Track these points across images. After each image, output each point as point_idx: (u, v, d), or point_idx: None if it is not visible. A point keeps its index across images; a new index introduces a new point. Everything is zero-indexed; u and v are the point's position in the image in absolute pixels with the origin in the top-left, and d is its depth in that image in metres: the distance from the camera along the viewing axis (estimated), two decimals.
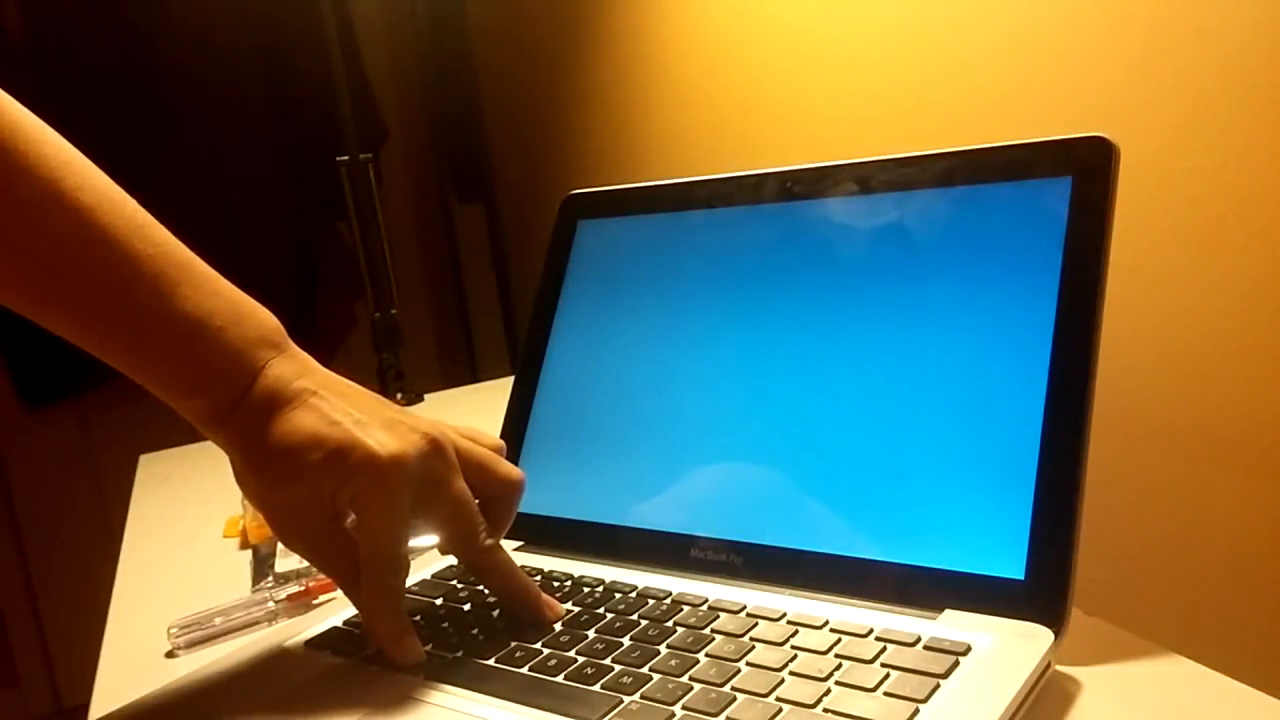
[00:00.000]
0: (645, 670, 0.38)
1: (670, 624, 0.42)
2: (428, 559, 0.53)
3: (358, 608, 0.43)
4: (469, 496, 0.43)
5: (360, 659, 0.43)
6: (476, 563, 0.44)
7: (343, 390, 0.42)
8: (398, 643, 0.41)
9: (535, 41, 1.42)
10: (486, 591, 0.48)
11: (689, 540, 0.48)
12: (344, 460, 0.39)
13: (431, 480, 0.41)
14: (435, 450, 0.41)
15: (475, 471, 0.44)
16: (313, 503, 0.41)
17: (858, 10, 0.75)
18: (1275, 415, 0.51)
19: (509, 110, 1.61)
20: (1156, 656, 0.41)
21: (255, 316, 0.42)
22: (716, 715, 0.35)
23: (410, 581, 0.50)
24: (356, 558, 0.41)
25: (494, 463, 0.45)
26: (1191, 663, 0.40)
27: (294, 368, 0.42)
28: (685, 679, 0.37)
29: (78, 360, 0.42)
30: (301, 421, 0.40)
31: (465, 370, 1.82)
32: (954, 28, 0.67)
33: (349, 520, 0.42)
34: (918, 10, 0.70)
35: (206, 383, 0.40)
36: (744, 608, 0.43)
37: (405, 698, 0.39)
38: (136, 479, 0.87)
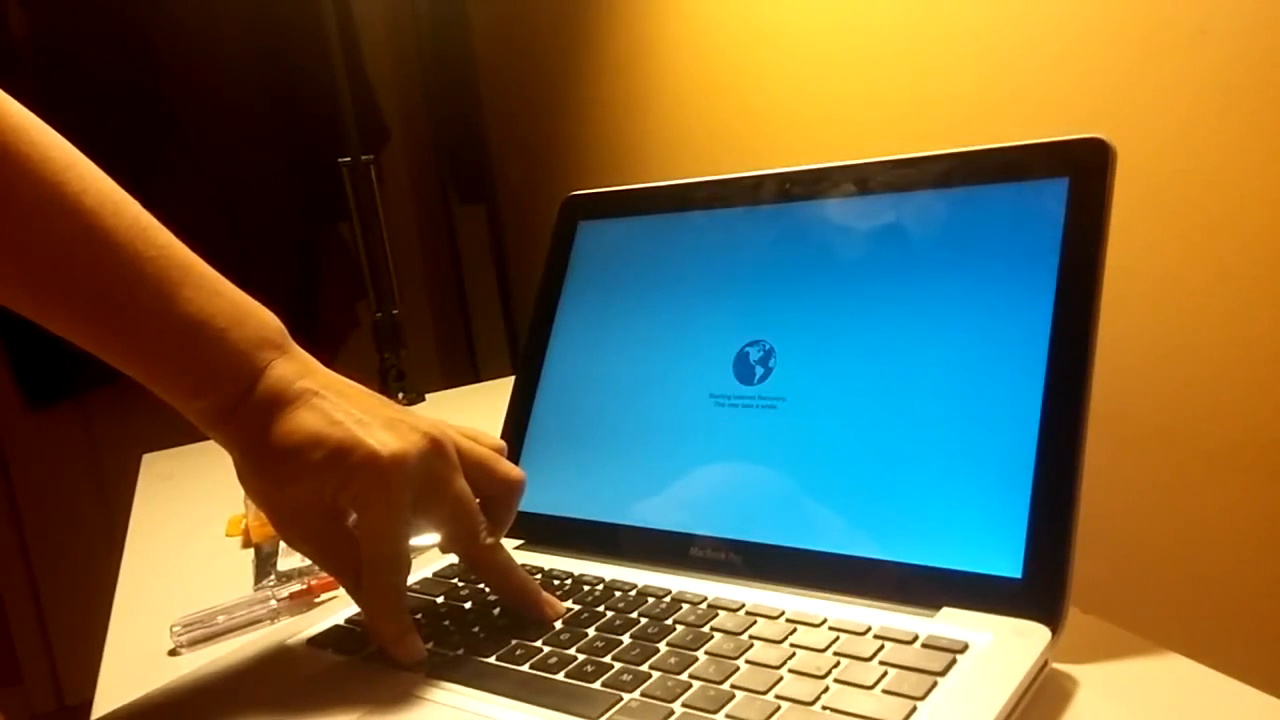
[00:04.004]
0: (645, 668, 0.39)
1: (670, 622, 0.42)
2: (429, 557, 0.53)
3: (360, 606, 0.43)
4: (469, 495, 0.43)
5: (362, 657, 0.43)
6: (477, 561, 0.44)
7: (344, 390, 0.43)
8: (399, 641, 0.41)
9: (536, 43, 1.42)
10: (487, 590, 0.48)
11: (688, 539, 0.48)
12: (345, 459, 0.40)
13: (432, 479, 0.41)
14: (436, 449, 0.41)
15: (476, 471, 0.44)
16: (314, 502, 0.41)
17: (856, 13, 0.76)
18: (1271, 415, 0.51)
19: (509, 111, 1.61)
20: (1153, 654, 0.41)
21: (257, 317, 0.42)
22: (715, 713, 0.35)
23: (412, 579, 0.50)
24: (358, 556, 0.41)
25: (495, 462, 0.45)
26: (1188, 660, 0.40)
27: (296, 368, 0.42)
28: (684, 676, 0.38)
29: (80, 360, 0.43)
30: (303, 421, 0.40)
31: (466, 370, 1.83)
32: (951, 29, 0.67)
33: (350, 519, 0.42)
34: (915, 12, 0.70)
35: (209, 384, 0.41)
36: (743, 606, 0.43)
37: (407, 695, 0.39)
38: (139, 478, 0.87)
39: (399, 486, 0.40)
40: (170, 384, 0.41)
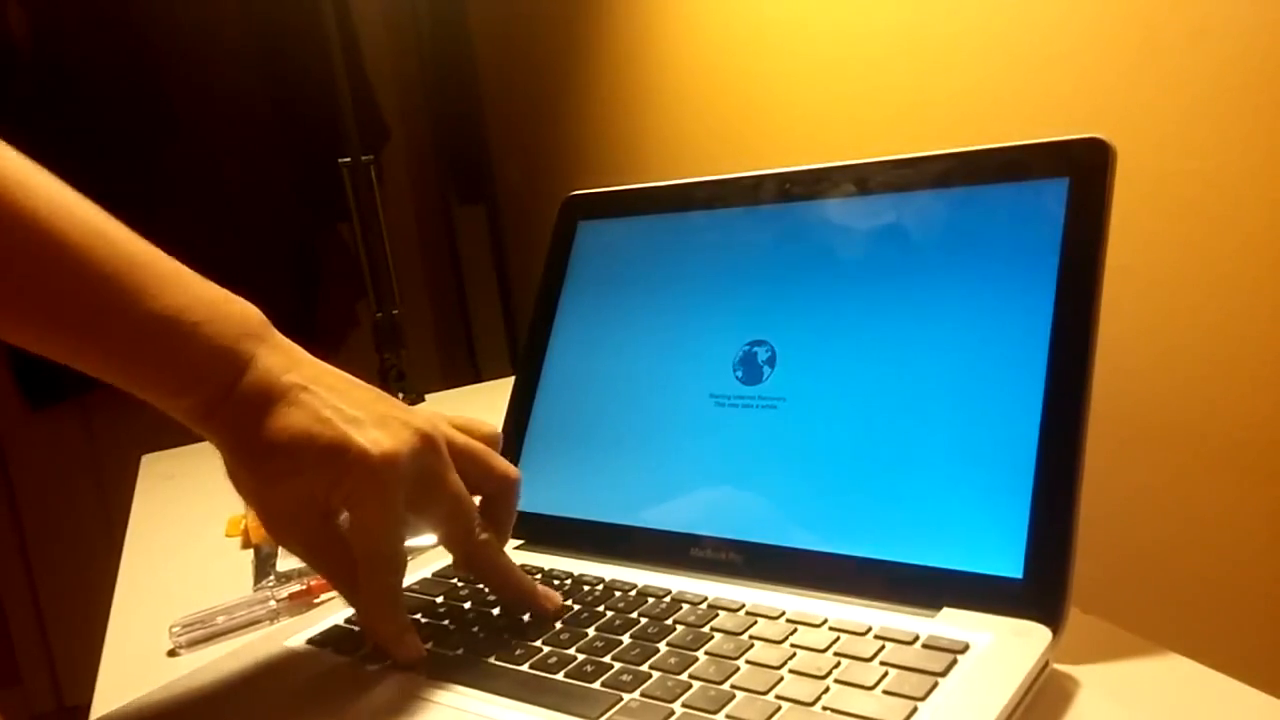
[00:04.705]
0: (645, 668, 0.39)
1: (670, 622, 0.42)
2: (429, 557, 0.53)
3: (354, 607, 0.43)
4: (464, 492, 0.43)
5: (361, 657, 0.43)
6: (473, 558, 0.44)
7: (333, 384, 0.41)
8: (398, 641, 0.41)
9: (535, 42, 1.42)
10: (486, 589, 0.48)
11: (689, 539, 0.48)
12: (337, 460, 0.39)
13: (425, 477, 0.41)
14: (429, 446, 0.41)
15: (470, 465, 0.44)
16: (305, 501, 0.40)
17: (856, 12, 0.76)
18: (1271, 415, 0.51)
19: (509, 111, 1.61)
20: (1154, 655, 0.41)
21: (235, 309, 0.41)
22: (716, 713, 0.35)
23: (410, 580, 0.50)
24: (351, 557, 0.41)
25: (489, 458, 0.45)
26: (1189, 661, 0.40)
27: (282, 360, 0.41)
28: (685, 677, 0.38)
29: None
30: (292, 418, 0.39)
31: (466, 370, 1.83)
32: (952, 28, 0.67)
33: (342, 518, 0.42)
34: (916, 11, 0.70)
35: (192, 380, 0.39)
36: (743, 606, 0.43)
37: (406, 696, 0.39)
38: (139, 478, 0.87)
39: (392, 485, 0.39)
40: (152, 384, 0.39)
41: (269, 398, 0.40)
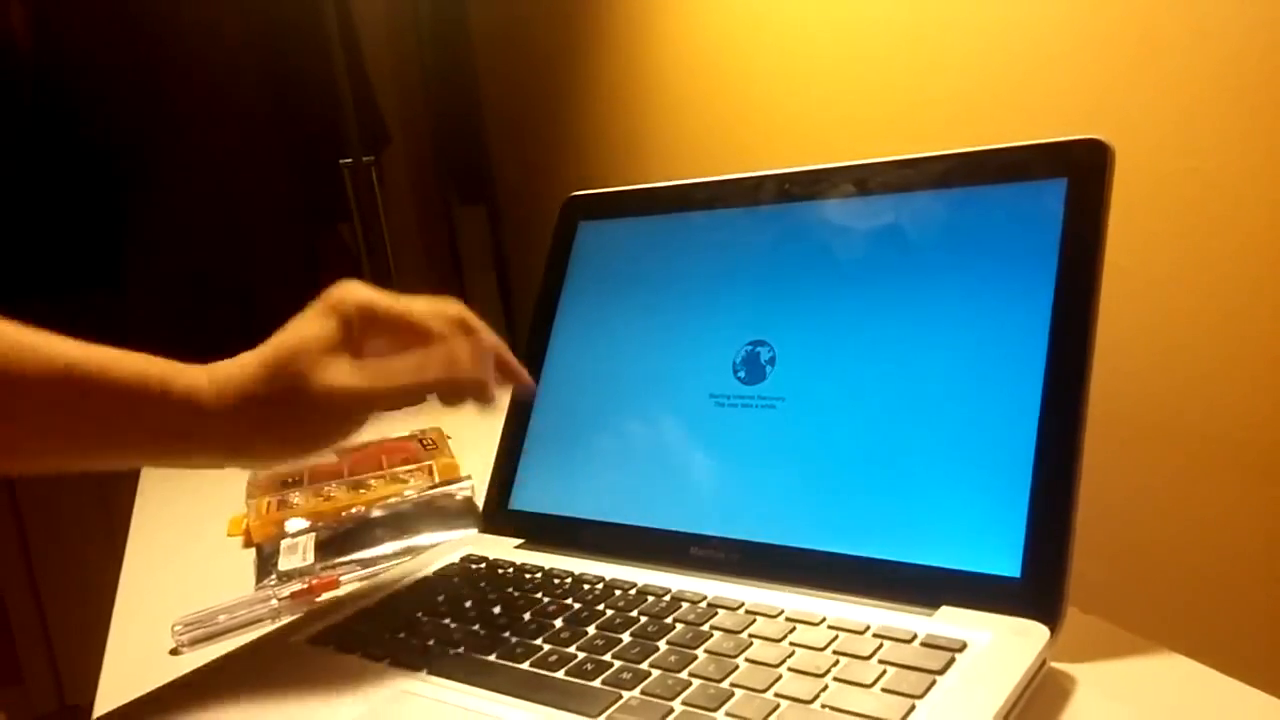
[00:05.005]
0: (645, 666, 0.39)
1: (669, 621, 0.42)
2: (429, 558, 0.53)
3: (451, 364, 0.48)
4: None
5: (361, 655, 0.43)
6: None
7: None
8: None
9: (536, 44, 1.42)
10: (487, 588, 0.48)
11: (688, 538, 0.48)
12: (331, 314, 0.45)
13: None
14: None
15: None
16: (322, 353, 0.44)
17: (856, 12, 0.76)
18: (1270, 415, 0.51)
19: (510, 113, 1.61)
20: (1151, 654, 0.41)
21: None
22: (715, 711, 0.35)
23: (411, 579, 0.51)
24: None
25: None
26: (1186, 659, 0.40)
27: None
28: (684, 675, 0.38)
29: None
30: (273, 342, 0.44)
31: None
32: (951, 28, 0.67)
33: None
34: (915, 12, 0.70)
35: (169, 366, 0.42)
36: (742, 605, 0.43)
37: (406, 693, 0.39)
38: (141, 477, 0.87)
39: (381, 293, 0.46)
40: (144, 392, 0.41)
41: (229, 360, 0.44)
